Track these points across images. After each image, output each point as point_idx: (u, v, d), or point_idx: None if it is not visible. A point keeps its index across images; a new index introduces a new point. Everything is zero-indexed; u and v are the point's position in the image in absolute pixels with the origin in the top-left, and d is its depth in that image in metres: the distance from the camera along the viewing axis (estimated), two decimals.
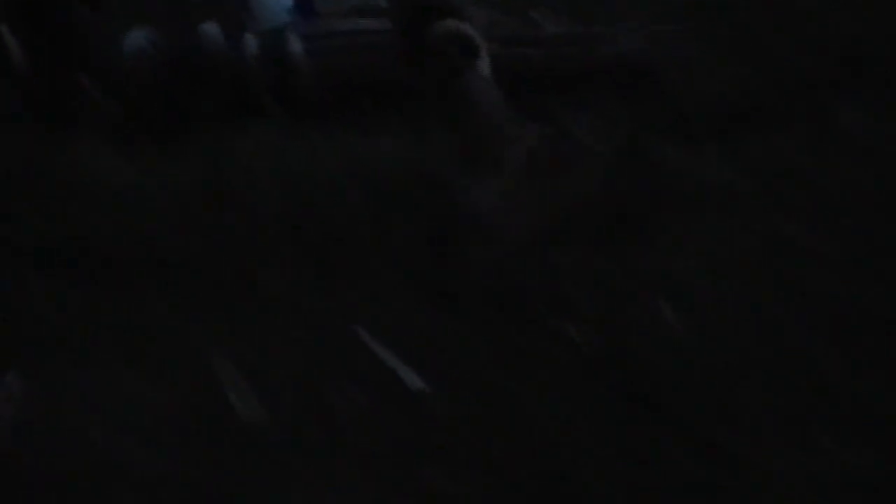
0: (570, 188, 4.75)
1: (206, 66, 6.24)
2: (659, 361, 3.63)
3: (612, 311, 4.04)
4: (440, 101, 5.11)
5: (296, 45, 6.32)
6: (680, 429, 3.25)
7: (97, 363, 3.72)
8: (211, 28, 6.23)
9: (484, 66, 5.25)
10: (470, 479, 3.01)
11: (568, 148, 4.96)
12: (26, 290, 4.20)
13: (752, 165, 5.64)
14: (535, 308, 4.04)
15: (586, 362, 3.67)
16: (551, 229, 4.50)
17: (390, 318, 3.96)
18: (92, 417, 3.36)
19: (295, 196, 4.75)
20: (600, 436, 3.21)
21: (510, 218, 4.57)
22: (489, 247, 4.38)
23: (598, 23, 7.48)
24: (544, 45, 7.14)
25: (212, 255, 4.44)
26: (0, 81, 6.24)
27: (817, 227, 4.89)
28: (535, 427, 3.26)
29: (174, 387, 3.56)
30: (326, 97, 6.26)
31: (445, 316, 3.99)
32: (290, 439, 3.24)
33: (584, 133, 5.20)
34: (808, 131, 6.06)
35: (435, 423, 3.31)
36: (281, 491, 2.99)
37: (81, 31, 6.29)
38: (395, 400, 3.46)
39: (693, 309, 4.05)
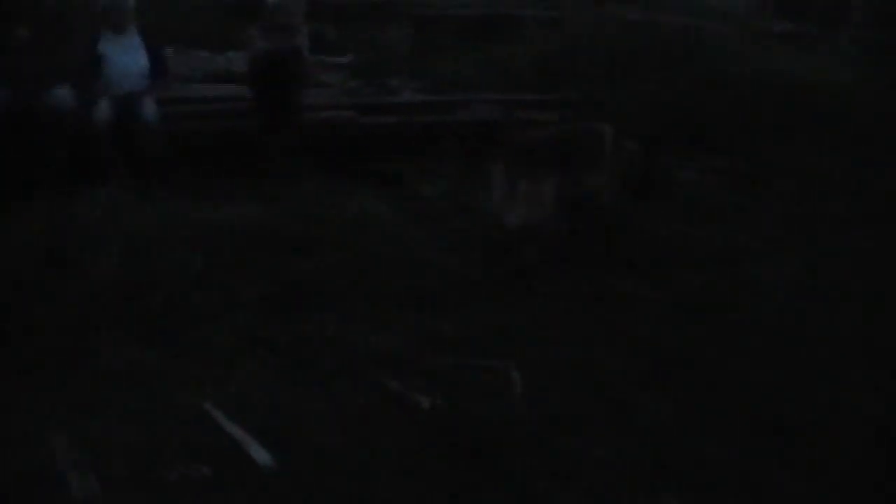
0: None
1: (55, 129, 6.12)
2: (493, 417, 3.73)
3: (449, 369, 4.13)
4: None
5: (150, 109, 6.28)
6: (517, 489, 3.33)
7: None
8: (62, 92, 6.13)
9: None
10: None
11: None
12: None
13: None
14: (376, 371, 4.09)
15: (428, 425, 3.73)
16: None
17: (235, 389, 3.94)
18: None
19: (138, 262, 4.67)
20: (438, 499, 3.26)
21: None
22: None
23: (455, 93, 7.73)
24: (400, 111, 7.32)
25: (50, 323, 4.31)
26: None
27: (654, 277, 5.13)
28: (376, 493, 3.30)
29: (5, 464, 3.44)
30: (176, 162, 6.21)
31: (290, 384, 3.99)
32: None
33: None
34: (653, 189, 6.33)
35: (277, 495, 3.29)
36: None
37: None
38: (239, 473, 3.42)
39: (533, 367, 4.18)
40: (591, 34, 8.72)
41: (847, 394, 4.07)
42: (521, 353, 4.30)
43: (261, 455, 3.50)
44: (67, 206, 5.28)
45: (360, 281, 4.79)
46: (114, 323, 4.34)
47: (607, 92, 7.33)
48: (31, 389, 3.91)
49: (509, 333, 4.46)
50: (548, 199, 5.34)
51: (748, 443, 3.72)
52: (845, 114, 7.47)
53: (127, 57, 6.53)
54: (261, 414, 3.74)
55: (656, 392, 4.08)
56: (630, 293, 4.95)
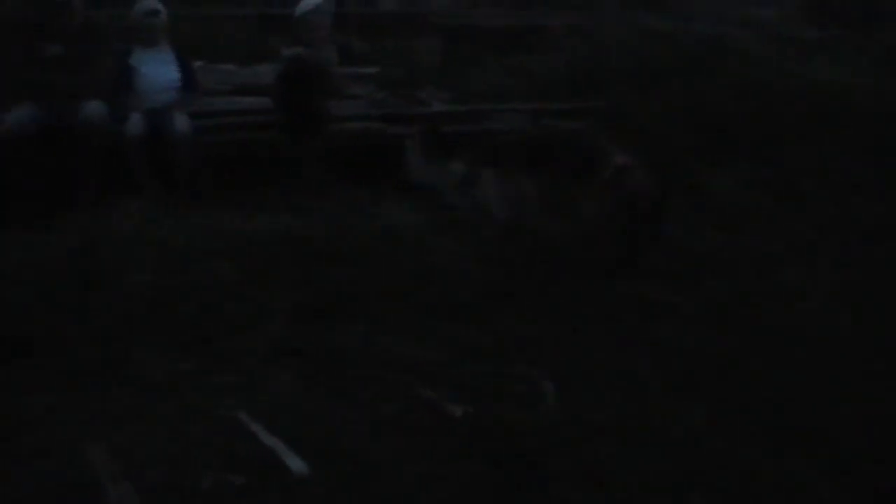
0: None
1: (87, 144, 6.19)
2: (528, 428, 3.72)
3: (481, 378, 4.13)
4: None
5: (182, 122, 6.34)
6: (550, 498, 3.33)
7: None
8: (95, 106, 6.21)
9: None
10: None
11: None
12: None
13: None
14: (409, 380, 4.10)
15: (461, 434, 3.73)
16: None
17: (269, 398, 3.96)
18: None
19: (171, 275, 4.72)
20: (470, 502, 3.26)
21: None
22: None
23: (484, 102, 7.74)
24: (428, 121, 7.32)
25: (85, 334, 4.36)
26: None
27: (685, 285, 5.11)
28: (411, 501, 3.30)
29: (41, 473, 3.48)
30: (207, 174, 6.27)
31: (323, 393, 4.01)
32: None
33: None
34: (681, 198, 6.32)
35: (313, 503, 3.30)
36: None
37: None
38: (275, 482, 3.44)
39: (564, 375, 4.17)
40: (620, 43, 8.70)
41: (879, 400, 4.03)
42: (553, 361, 4.29)
43: (295, 463, 3.51)
44: (101, 219, 5.34)
45: (391, 290, 4.80)
46: (148, 334, 4.38)
47: (636, 100, 7.31)
48: (68, 400, 3.95)
49: (541, 342, 4.45)
50: (529, 198, 5.34)
51: (779, 448, 3.69)
52: (877, 120, 7.41)
53: (159, 71, 6.61)
54: (295, 422, 3.75)
55: (688, 398, 4.06)
56: (661, 300, 4.92)
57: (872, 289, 5.16)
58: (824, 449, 3.68)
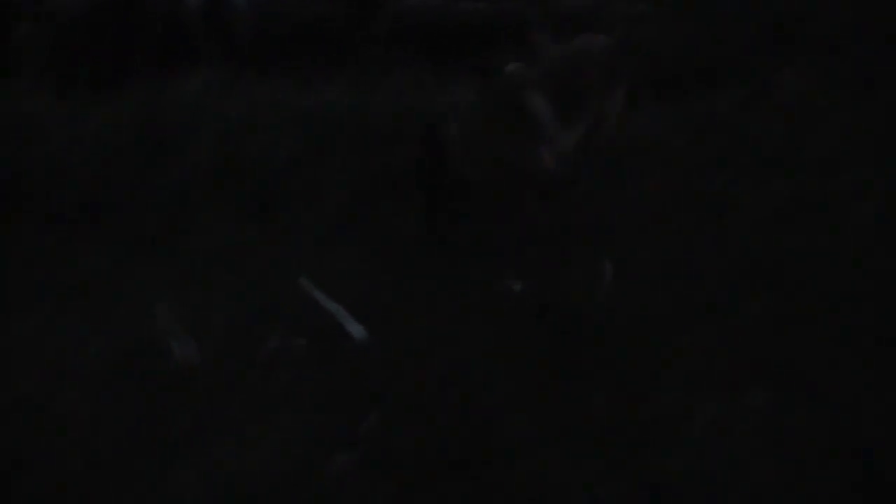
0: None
1: (148, 14, 6.15)
2: (591, 313, 3.72)
3: (548, 263, 4.12)
4: None
5: None
6: (607, 378, 3.34)
7: (33, 309, 3.69)
8: None
9: None
10: (404, 424, 3.06)
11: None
12: None
13: (690, 123, 5.74)
14: (474, 259, 4.10)
15: (521, 311, 3.74)
16: None
17: (330, 268, 3.99)
18: (23, 362, 3.35)
19: (233, 145, 4.72)
20: (530, 384, 3.29)
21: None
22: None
23: None
24: None
25: (151, 201, 4.40)
26: None
27: (749, 183, 5.02)
28: (469, 375, 3.33)
29: (112, 333, 3.56)
30: (268, 47, 6.20)
31: (382, 266, 4.03)
32: (227, 385, 3.26)
33: None
34: (744, 93, 6.17)
35: (372, 369, 3.35)
36: (217, 433, 3.01)
37: None
38: (334, 348, 3.49)
39: (625, 261, 4.15)
40: None
41: None
42: (614, 246, 4.25)
43: (356, 329, 3.55)
44: (164, 89, 5.33)
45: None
46: (210, 203, 4.40)
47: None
48: (133, 264, 4.03)
49: (605, 226, 4.41)
50: None
51: (837, 345, 3.66)
52: None
53: None
54: (355, 292, 3.78)
55: (746, 294, 4.02)
56: (726, 195, 4.84)
57: None
58: (883, 346, 3.64)
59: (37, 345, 3.47)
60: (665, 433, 3.07)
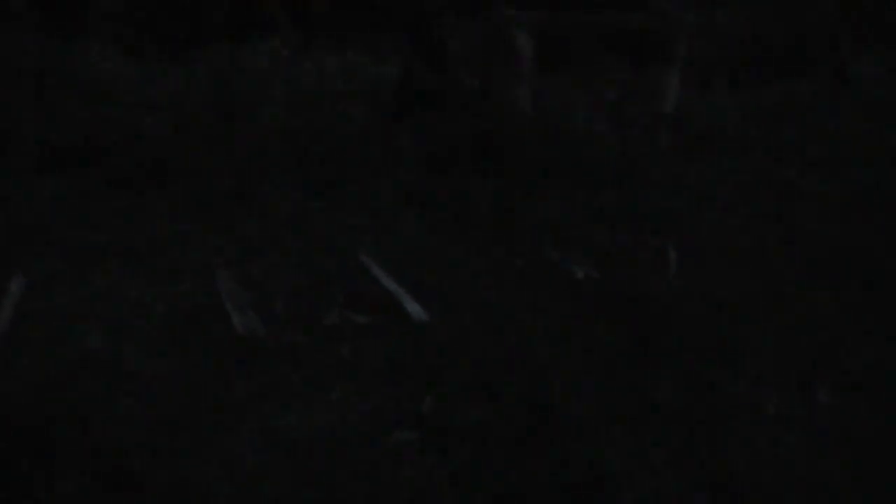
0: None
1: None
2: (658, 298, 3.66)
3: (613, 247, 4.06)
4: None
5: None
6: (672, 365, 3.28)
7: (100, 268, 3.73)
8: None
9: None
10: (463, 403, 3.04)
11: None
12: (31, 192, 4.19)
13: (762, 110, 5.64)
14: (540, 239, 4.06)
15: (587, 295, 3.69)
16: None
17: (393, 242, 3.98)
18: (92, 321, 3.39)
19: (303, 113, 4.72)
20: (593, 366, 3.25)
21: None
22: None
23: None
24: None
25: (217, 164, 4.42)
26: None
27: (823, 172, 4.92)
28: (532, 356, 3.29)
29: (175, 294, 3.59)
30: (340, 15, 6.19)
31: (448, 243, 4.00)
32: (285, 352, 3.27)
33: None
34: (821, 81, 6.05)
35: (432, 347, 3.33)
36: (274, 400, 3.02)
37: None
38: (395, 323, 3.47)
39: (693, 249, 4.08)
40: None
41: None
42: (681, 232, 4.19)
43: (415, 309, 3.53)
44: (233, 55, 5.35)
45: (523, 149, 4.71)
46: (279, 170, 4.41)
47: None
48: (199, 228, 4.05)
49: (671, 212, 4.34)
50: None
51: None
52: None
53: None
54: (418, 268, 3.77)
55: (818, 285, 3.93)
56: (800, 184, 4.74)
57: None
58: None
59: (103, 305, 3.50)
60: (730, 426, 3.01)
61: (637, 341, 3.40)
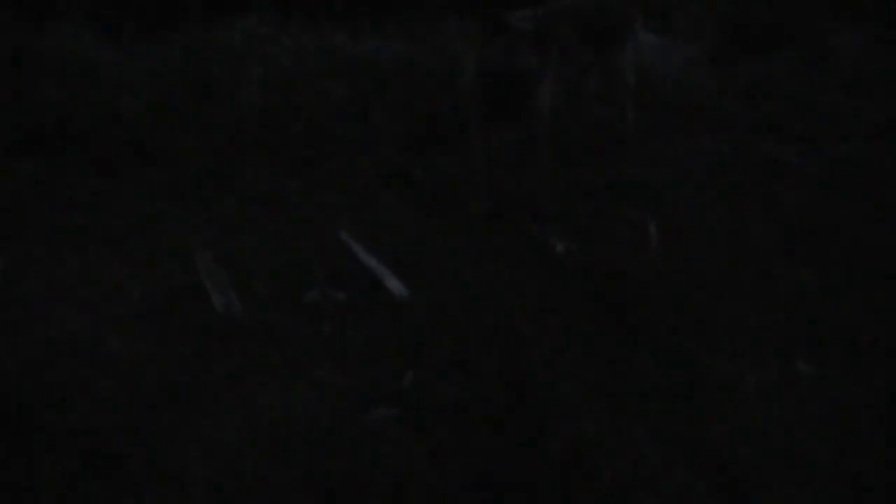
0: None
1: None
2: (635, 272, 3.67)
3: (592, 221, 4.07)
4: None
5: None
6: (651, 340, 3.30)
7: (77, 249, 3.71)
8: None
9: None
10: (443, 380, 3.05)
11: None
12: (5, 174, 4.15)
13: (744, 86, 5.64)
14: (518, 216, 4.06)
15: (565, 271, 3.70)
16: None
17: (373, 220, 3.97)
18: (70, 303, 3.37)
19: (280, 92, 4.69)
20: (572, 342, 3.26)
21: None
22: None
23: None
24: None
25: (194, 145, 4.39)
26: None
27: (801, 146, 4.93)
28: (511, 332, 3.30)
29: (153, 275, 3.57)
30: None
31: (426, 219, 4.00)
32: (265, 331, 3.26)
33: None
34: (799, 56, 6.05)
35: (412, 324, 3.33)
36: (254, 379, 3.02)
37: None
38: (374, 301, 3.47)
39: (672, 223, 4.08)
40: None
41: None
42: (663, 207, 4.19)
43: (395, 285, 3.53)
44: (209, 34, 5.30)
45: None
46: (257, 149, 4.38)
47: None
48: (177, 208, 4.02)
49: (651, 187, 4.35)
50: None
51: (885, 317, 3.58)
52: None
53: None
54: (397, 245, 3.76)
55: (797, 259, 3.95)
56: (779, 158, 4.75)
57: None
58: None
59: (81, 286, 3.48)
60: (710, 399, 3.03)
61: (616, 316, 3.42)
